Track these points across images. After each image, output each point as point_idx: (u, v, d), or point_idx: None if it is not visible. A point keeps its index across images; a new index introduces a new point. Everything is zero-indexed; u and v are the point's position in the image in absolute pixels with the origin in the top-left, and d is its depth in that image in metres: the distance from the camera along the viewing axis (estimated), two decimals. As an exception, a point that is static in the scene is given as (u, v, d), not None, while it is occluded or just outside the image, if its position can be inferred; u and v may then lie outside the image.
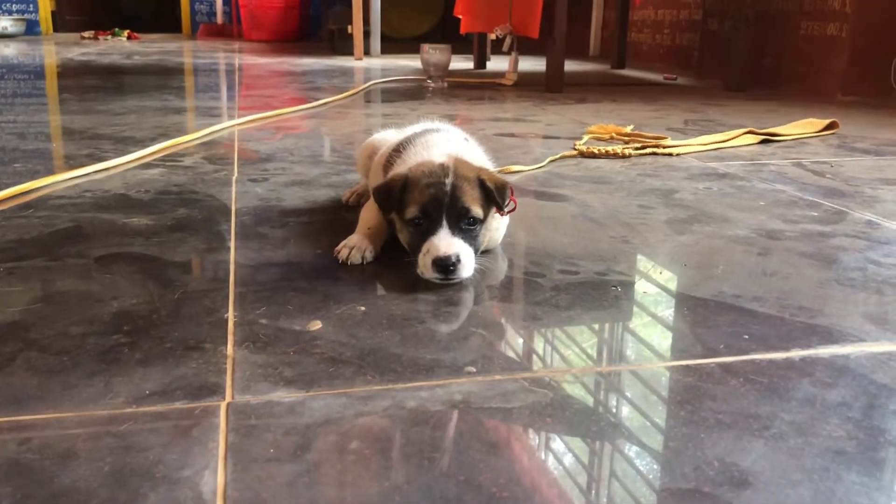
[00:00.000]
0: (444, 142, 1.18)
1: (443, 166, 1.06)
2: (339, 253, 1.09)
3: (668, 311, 0.96)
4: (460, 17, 4.22)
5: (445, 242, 1.00)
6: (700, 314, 0.94)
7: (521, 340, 0.89)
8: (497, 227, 1.15)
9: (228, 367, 0.78)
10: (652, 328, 0.92)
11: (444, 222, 1.02)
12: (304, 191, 1.50)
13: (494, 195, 1.05)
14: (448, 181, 1.03)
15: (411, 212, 1.03)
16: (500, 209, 1.07)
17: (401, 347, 0.83)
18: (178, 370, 0.77)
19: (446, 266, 0.99)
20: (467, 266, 1.01)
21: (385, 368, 0.78)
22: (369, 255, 1.10)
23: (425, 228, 1.03)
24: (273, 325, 0.88)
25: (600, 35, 5.75)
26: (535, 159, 1.83)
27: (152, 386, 0.74)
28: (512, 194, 1.11)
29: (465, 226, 1.03)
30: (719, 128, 2.35)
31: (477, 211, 1.03)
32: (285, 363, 0.79)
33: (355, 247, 1.10)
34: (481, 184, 1.05)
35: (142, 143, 1.94)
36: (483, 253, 1.12)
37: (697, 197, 1.51)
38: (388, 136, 1.38)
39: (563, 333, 0.91)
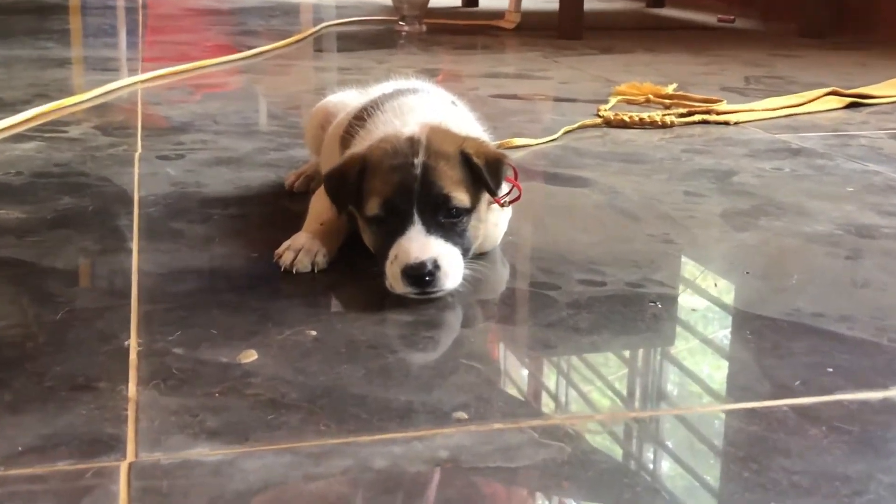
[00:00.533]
0: (424, 106, 1.18)
1: (412, 140, 1.05)
2: (281, 257, 1.09)
3: (724, 336, 0.96)
4: (444, -64, 4.23)
5: (418, 244, 0.99)
6: (768, 339, 0.94)
7: (527, 375, 0.89)
8: (495, 221, 1.15)
9: (130, 413, 0.78)
10: (703, 358, 0.92)
11: (416, 217, 1.00)
12: (234, 172, 1.49)
13: (484, 174, 1.04)
14: (418, 161, 1.02)
15: (372, 206, 1.03)
16: (494, 195, 1.07)
17: (366, 386, 0.83)
18: (63, 418, 0.76)
19: (420, 276, 0.98)
20: (451, 274, 1.00)
21: (344, 415, 0.78)
22: (322, 261, 1.09)
23: (392, 227, 1.02)
24: (191, 357, 0.87)
25: (632, -38, 5.77)
26: (546, 130, 1.84)
27: (27, 440, 0.73)
28: (515, 176, 1.11)
29: (446, 219, 1.02)
30: (791, 87, 2.37)
31: (460, 198, 1.03)
32: (208, 408, 0.79)
33: (303, 249, 1.09)
34: (466, 160, 1.04)
35: (11, 106, 1.92)
36: (476, 256, 1.12)
37: (763, 181, 1.52)
38: (347, 99, 1.38)
39: (584, 366, 0.91)
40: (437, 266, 0.98)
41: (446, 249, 1.00)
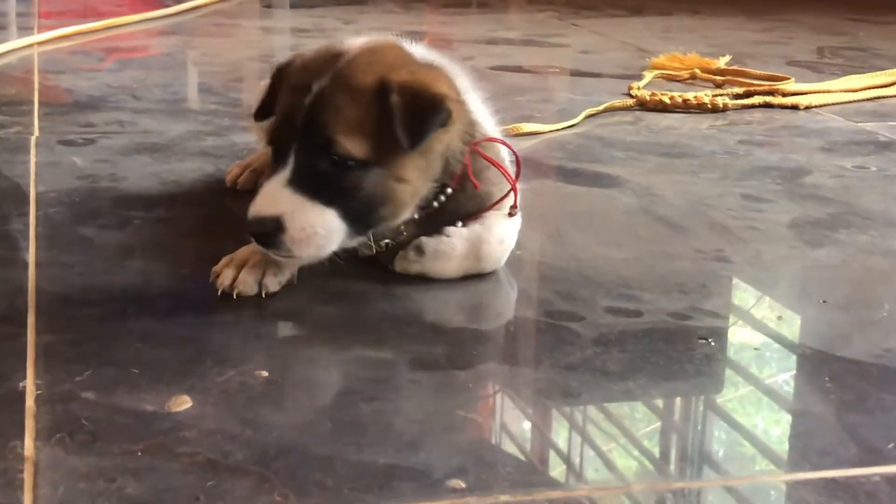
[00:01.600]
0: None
1: (333, 57, 1.06)
2: (219, 276, 1.08)
3: (794, 384, 0.96)
4: None
5: (265, 196, 1.02)
6: (852, 388, 0.94)
7: (540, 433, 0.88)
8: (500, 236, 1.15)
9: (27, 477, 0.77)
10: (767, 413, 0.92)
11: (291, 160, 1.02)
12: (160, 163, 1.49)
13: (394, 116, 1.01)
14: (315, 87, 1.03)
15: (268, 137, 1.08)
16: (406, 147, 1.03)
17: (333, 444, 0.83)
18: (-62, 483, 0.76)
19: (258, 233, 1.01)
20: (305, 241, 1.01)
21: (306, 482, 0.78)
22: (272, 282, 1.09)
23: (273, 166, 1.04)
24: (106, 403, 0.87)
25: None
26: (562, 113, 1.84)
27: None
28: (516, 171, 1.13)
29: (327, 169, 1.02)
30: (876, 62, 2.39)
31: (347, 145, 1.01)
32: (128, 471, 0.78)
33: (247, 265, 1.09)
34: (382, 95, 1.03)
35: None
36: (474, 277, 1.12)
37: (843, 182, 1.52)
38: None
39: (613, 421, 0.91)
40: (280, 226, 1.00)
41: (302, 207, 1.01)
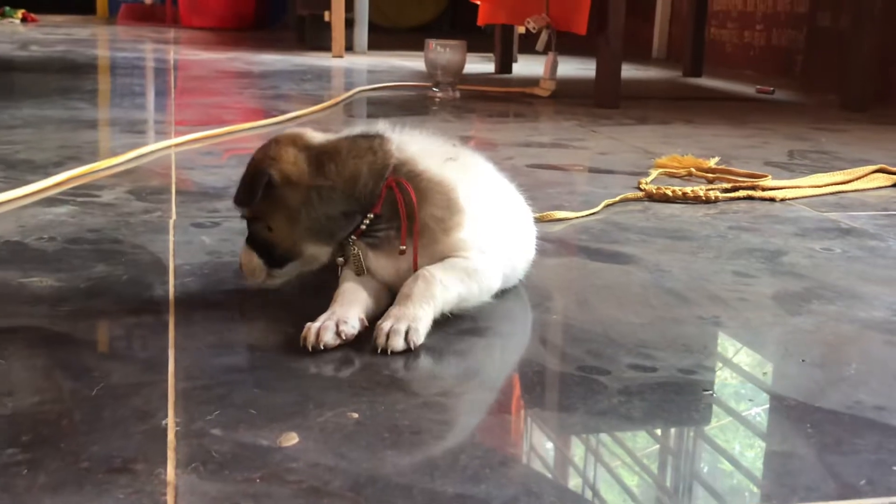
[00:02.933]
0: (428, 136, 1.26)
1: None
2: (305, 337, 1.07)
3: (783, 429, 0.94)
4: (477, 3, 4.29)
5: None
6: (830, 434, 0.92)
7: (580, 468, 0.87)
8: (471, 264, 1.15)
9: (170, 499, 0.77)
10: (760, 453, 0.91)
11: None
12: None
13: (238, 190, 1.20)
14: None
15: None
16: (241, 202, 1.19)
17: (410, 475, 0.82)
18: (99, 502, 0.76)
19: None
20: (250, 273, 1.21)
21: (390, 506, 0.77)
22: (349, 330, 1.08)
23: None
24: (231, 439, 0.87)
25: (667, 31, 5.84)
26: (585, 202, 1.83)
27: (62, 526, 0.73)
28: (411, 199, 1.14)
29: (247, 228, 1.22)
30: (837, 163, 2.37)
31: (242, 209, 1.21)
32: (249, 495, 0.78)
33: (324, 323, 1.08)
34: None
35: (43, 169, 1.94)
36: (518, 337, 1.11)
37: (814, 262, 1.50)
38: None
39: (635, 457, 0.89)
40: (241, 265, 1.23)
41: (244, 254, 1.22)
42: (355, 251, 1.18)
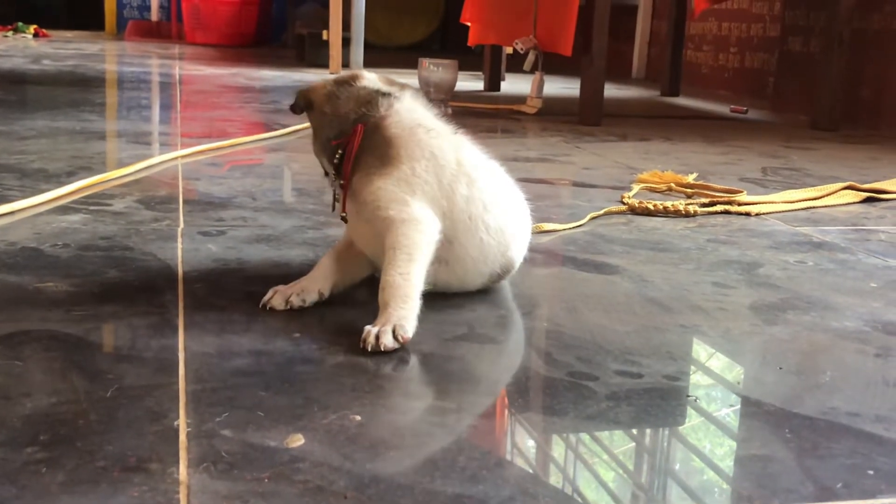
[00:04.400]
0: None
1: None
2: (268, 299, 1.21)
3: (763, 434, 0.94)
4: (468, 24, 4.29)
5: None
6: (807, 439, 0.92)
7: (573, 469, 0.87)
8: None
9: (182, 497, 0.76)
10: (741, 457, 0.90)
11: None
12: (274, 249, 1.49)
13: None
14: None
15: None
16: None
17: (412, 475, 0.81)
18: (115, 500, 0.75)
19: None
20: None
21: (393, 505, 0.76)
22: (295, 301, 1.21)
23: None
24: (240, 439, 0.86)
25: (646, 53, 5.85)
26: (572, 215, 1.84)
27: (80, 522, 0.72)
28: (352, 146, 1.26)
29: None
30: (808, 179, 2.37)
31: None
32: (258, 494, 0.77)
33: (283, 291, 1.21)
34: None
35: (56, 178, 1.94)
36: (512, 344, 1.10)
37: (788, 274, 1.51)
38: None
39: (623, 460, 0.89)
40: None
41: None
42: (333, 185, 1.31)
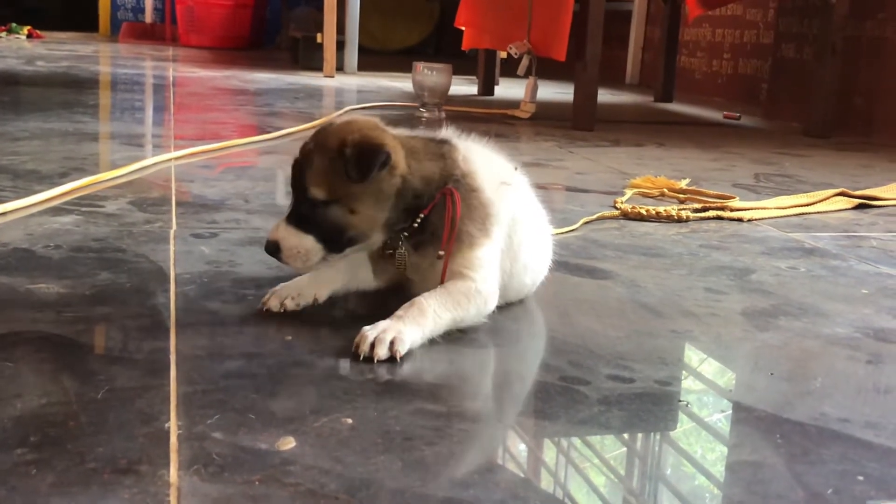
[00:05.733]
0: (496, 155, 1.27)
1: (321, 128, 1.18)
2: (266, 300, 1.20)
3: (754, 440, 0.94)
4: (462, 28, 4.30)
5: (274, 226, 1.17)
6: (798, 445, 0.92)
7: (564, 473, 0.87)
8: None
9: (173, 500, 0.76)
10: (732, 462, 0.91)
11: (291, 204, 1.16)
12: (266, 253, 1.48)
13: (347, 162, 1.10)
14: (305, 149, 1.15)
15: None
16: (355, 181, 1.10)
17: (403, 479, 0.81)
18: (106, 502, 0.75)
19: (267, 251, 1.17)
20: (294, 257, 1.15)
21: (384, 508, 0.76)
22: (290, 304, 1.19)
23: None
24: (230, 442, 0.86)
25: (640, 58, 5.87)
26: (565, 220, 1.84)
27: (70, 524, 0.72)
28: (455, 212, 1.14)
29: (307, 209, 1.14)
30: (800, 186, 2.38)
31: (314, 191, 1.13)
32: (249, 497, 0.77)
33: (279, 293, 1.20)
34: (341, 152, 1.11)
35: (49, 179, 1.93)
36: (506, 347, 1.10)
37: (780, 280, 1.51)
38: None
39: (614, 465, 0.89)
40: (277, 248, 1.15)
41: (291, 235, 1.14)
42: (402, 249, 1.19)
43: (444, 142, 1.20)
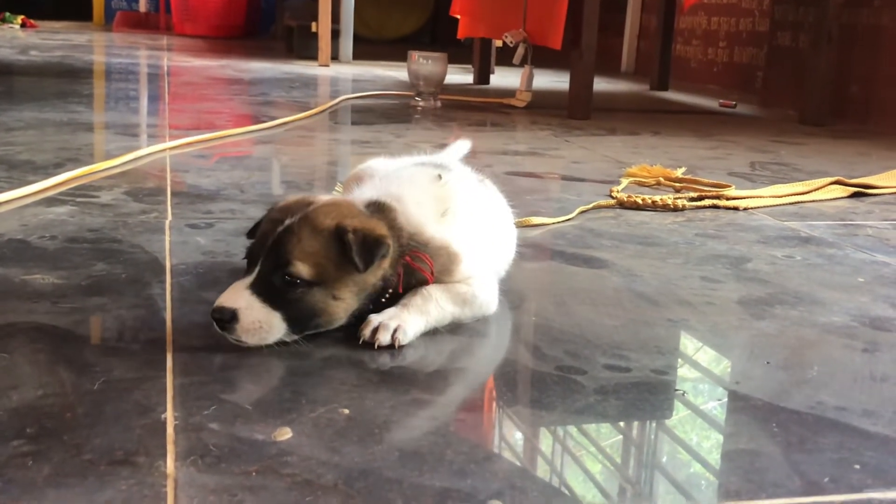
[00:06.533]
0: (409, 178, 1.21)
1: (303, 203, 1.10)
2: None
3: (751, 429, 0.94)
4: (458, 17, 4.29)
5: (230, 292, 1.03)
6: (794, 433, 0.92)
7: (560, 463, 0.87)
8: (470, 292, 1.15)
9: (170, 490, 0.76)
10: (729, 451, 0.91)
11: (256, 270, 1.04)
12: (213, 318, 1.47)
13: (352, 251, 1.04)
14: (287, 222, 1.06)
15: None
16: (359, 270, 1.05)
17: (400, 469, 0.81)
18: (102, 494, 0.75)
19: (216, 319, 1.02)
20: (253, 332, 1.02)
21: (380, 500, 0.76)
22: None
23: (245, 272, 1.07)
24: (227, 433, 0.86)
25: (636, 46, 5.86)
26: (561, 209, 1.84)
27: (67, 516, 0.72)
28: (430, 269, 1.12)
29: (281, 283, 1.03)
30: (796, 174, 2.38)
31: (300, 268, 1.03)
32: (246, 487, 0.77)
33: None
34: (339, 236, 1.05)
35: (43, 170, 1.92)
36: (501, 336, 1.10)
37: (776, 268, 1.51)
38: (377, 165, 1.39)
39: (611, 454, 0.89)
40: (234, 317, 1.02)
41: (255, 307, 1.02)
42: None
43: (380, 208, 1.13)
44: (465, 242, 1.17)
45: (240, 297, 1.03)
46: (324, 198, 1.13)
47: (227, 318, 1.02)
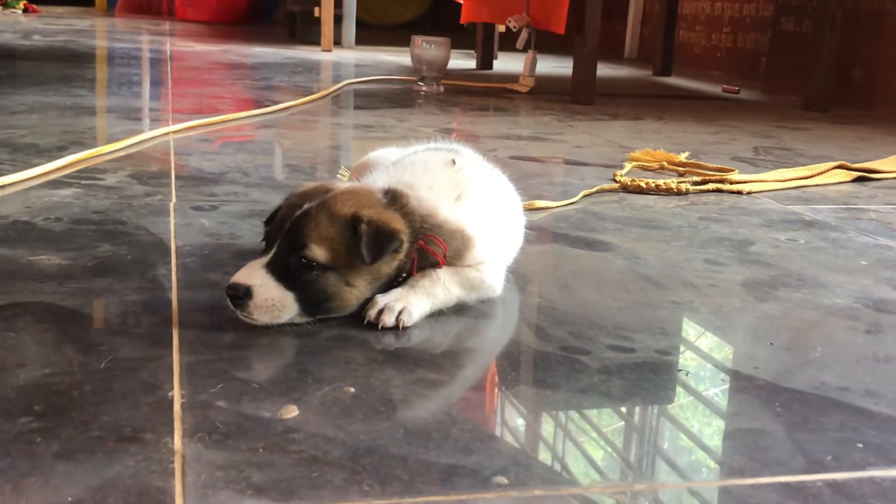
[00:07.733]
0: (422, 164, 1.21)
1: (322, 189, 1.11)
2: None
3: (754, 408, 0.94)
4: (461, 1, 4.28)
5: (246, 270, 1.05)
6: (798, 413, 0.93)
7: (563, 441, 0.88)
8: (476, 277, 1.16)
9: (177, 466, 0.76)
10: (732, 430, 0.91)
11: (273, 251, 1.06)
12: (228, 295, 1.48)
13: (361, 240, 1.05)
14: (305, 206, 1.07)
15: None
16: (365, 262, 1.06)
17: (405, 446, 0.82)
18: (111, 469, 0.75)
19: (231, 295, 1.04)
20: (265, 309, 1.04)
21: (387, 476, 0.77)
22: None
23: (262, 252, 1.09)
24: (234, 410, 0.86)
25: (639, 32, 5.85)
26: (565, 193, 1.84)
27: (76, 491, 0.72)
28: (443, 253, 1.12)
29: (296, 264, 1.05)
30: (800, 159, 2.38)
31: (316, 252, 1.04)
32: (253, 464, 0.77)
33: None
34: (353, 226, 1.06)
35: (48, 153, 1.93)
36: (506, 318, 1.11)
37: (780, 251, 1.51)
38: (387, 154, 1.40)
39: (614, 433, 0.89)
40: (248, 294, 1.03)
41: (270, 285, 1.04)
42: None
43: (394, 196, 1.13)
44: (479, 227, 1.17)
45: (255, 275, 1.04)
46: (343, 185, 1.14)
47: (241, 295, 1.03)
